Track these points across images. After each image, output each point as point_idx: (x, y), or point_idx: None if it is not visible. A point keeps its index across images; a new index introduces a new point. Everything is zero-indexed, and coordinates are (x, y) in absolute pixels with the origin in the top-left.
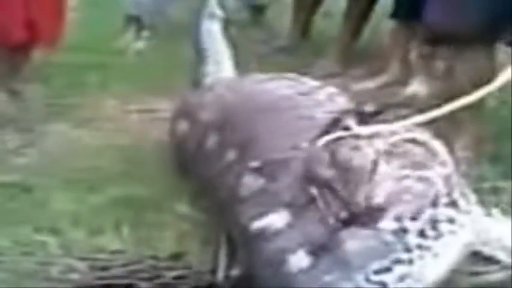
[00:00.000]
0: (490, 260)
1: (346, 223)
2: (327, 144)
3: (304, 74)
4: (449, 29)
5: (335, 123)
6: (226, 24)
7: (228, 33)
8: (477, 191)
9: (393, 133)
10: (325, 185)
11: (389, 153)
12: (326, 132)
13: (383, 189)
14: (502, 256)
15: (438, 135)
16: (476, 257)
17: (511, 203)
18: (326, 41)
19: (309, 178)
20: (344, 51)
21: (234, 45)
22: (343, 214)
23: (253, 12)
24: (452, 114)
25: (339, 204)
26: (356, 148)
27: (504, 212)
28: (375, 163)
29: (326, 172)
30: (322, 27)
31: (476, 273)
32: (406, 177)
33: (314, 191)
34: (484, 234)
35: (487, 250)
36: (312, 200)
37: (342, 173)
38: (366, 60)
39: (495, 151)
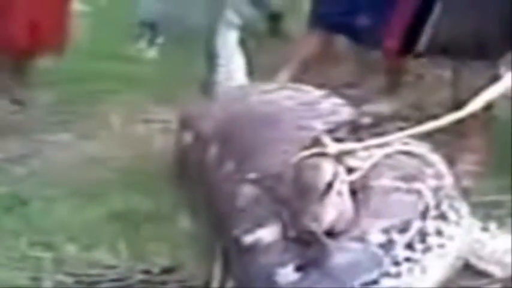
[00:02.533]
0: (481, 274)
1: (297, 242)
2: (297, 162)
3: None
4: (451, 40)
5: (316, 140)
6: (243, 33)
7: (244, 41)
8: (477, 204)
9: (388, 145)
10: (284, 203)
11: (381, 165)
12: (307, 148)
13: (334, 211)
14: (495, 271)
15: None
16: (468, 271)
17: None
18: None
19: (274, 195)
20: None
21: (250, 54)
22: (291, 233)
23: (270, 21)
24: (463, 128)
25: (291, 222)
26: (316, 167)
27: (501, 225)
28: (330, 185)
29: (287, 190)
30: None
31: None
32: (397, 189)
33: (278, 207)
34: (478, 249)
35: (481, 264)
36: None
37: (298, 191)
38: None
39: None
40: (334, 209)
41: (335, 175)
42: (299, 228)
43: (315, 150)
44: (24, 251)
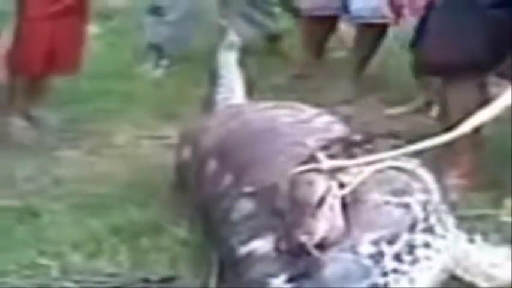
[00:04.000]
0: (467, 286)
1: (289, 253)
2: (291, 176)
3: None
4: (441, 59)
5: (311, 156)
6: (243, 52)
7: (244, 61)
8: (463, 217)
9: (379, 161)
10: (279, 215)
11: (372, 180)
12: (303, 163)
13: (326, 225)
14: (481, 282)
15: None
16: (455, 282)
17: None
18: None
19: (270, 207)
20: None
21: (249, 74)
22: (283, 245)
23: (269, 41)
24: (451, 143)
25: (284, 235)
26: (310, 183)
27: (486, 238)
28: (322, 199)
29: (281, 204)
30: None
31: None
32: (387, 203)
33: (273, 219)
34: (464, 261)
35: (467, 277)
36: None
37: (292, 205)
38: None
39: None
40: (326, 222)
41: (328, 190)
42: (291, 241)
43: (309, 165)
44: (34, 259)
